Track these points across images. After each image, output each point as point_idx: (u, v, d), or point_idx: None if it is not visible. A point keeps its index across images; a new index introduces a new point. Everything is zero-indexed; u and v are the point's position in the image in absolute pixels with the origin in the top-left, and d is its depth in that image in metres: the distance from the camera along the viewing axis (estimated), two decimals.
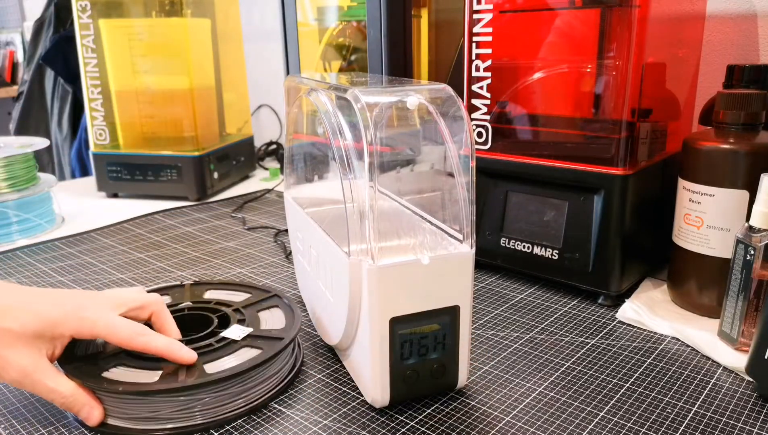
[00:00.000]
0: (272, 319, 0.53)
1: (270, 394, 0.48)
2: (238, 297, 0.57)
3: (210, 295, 0.58)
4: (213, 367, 0.46)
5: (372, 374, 0.45)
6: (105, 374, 0.45)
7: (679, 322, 0.58)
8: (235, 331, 0.50)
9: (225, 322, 0.53)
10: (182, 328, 0.53)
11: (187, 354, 0.46)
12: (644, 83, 0.59)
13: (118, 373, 0.45)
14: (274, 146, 1.45)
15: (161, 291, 0.59)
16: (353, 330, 0.47)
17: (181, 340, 0.49)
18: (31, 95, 1.92)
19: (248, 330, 0.51)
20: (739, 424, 0.44)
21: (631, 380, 0.50)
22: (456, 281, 0.45)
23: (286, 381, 0.50)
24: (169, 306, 0.55)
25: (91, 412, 0.44)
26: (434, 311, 0.45)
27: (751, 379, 0.49)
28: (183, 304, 0.56)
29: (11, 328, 0.43)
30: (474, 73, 0.69)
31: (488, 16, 0.66)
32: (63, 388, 0.44)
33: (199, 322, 0.53)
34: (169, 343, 0.47)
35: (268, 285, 0.70)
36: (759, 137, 0.55)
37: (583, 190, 0.63)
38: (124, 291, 0.52)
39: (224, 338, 0.49)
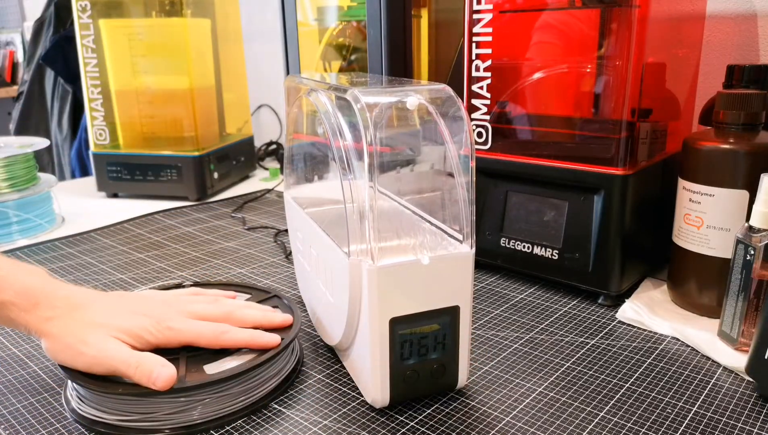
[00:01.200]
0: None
1: (270, 394, 0.48)
2: (240, 297, 0.57)
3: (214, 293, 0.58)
4: (213, 368, 0.46)
5: (372, 374, 0.45)
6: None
7: (679, 322, 0.58)
8: None
9: None
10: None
11: (270, 339, 0.49)
12: (644, 83, 0.59)
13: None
14: (274, 146, 1.45)
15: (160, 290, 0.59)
16: (353, 330, 0.47)
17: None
18: (31, 95, 1.92)
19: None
20: (739, 424, 0.44)
21: (631, 380, 0.50)
22: (456, 281, 0.45)
23: (286, 381, 0.50)
24: None
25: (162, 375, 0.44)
26: (434, 311, 0.45)
27: (751, 379, 0.49)
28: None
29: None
30: (474, 73, 0.69)
31: (488, 16, 0.66)
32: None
33: None
34: (251, 335, 0.48)
35: (268, 285, 0.70)
36: (759, 137, 0.55)
37: (583, 190, 0.63)
38: (184, 296, 0.53)
39: (224, 351, 0.49)
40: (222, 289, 0.58)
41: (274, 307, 0.55)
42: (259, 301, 0.56)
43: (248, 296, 0.57)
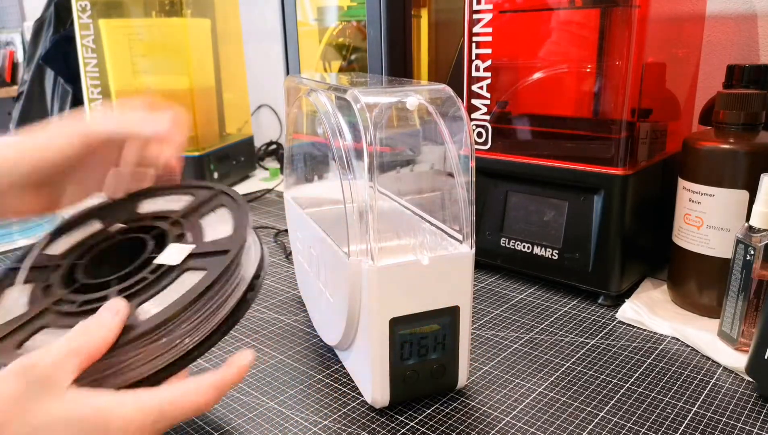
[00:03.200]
0: (219, 225, 0.43)
1: (225, 318, 0.38)
2: (178, 203, 0.46)
3: (146, 206, 0.47)
4: (150, 308, 0.37)
5: (372, 374, 0.45)
6: (27, 344, 0.37)
7: (679, 322, 0.58)
8: (172, 254, 0.40)
9: (163, 242, 0.42)
10: (114, 261, 0.42)
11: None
12: (644, 83, 0.59)
13: (40, 341, 0.37)
14: (274, 146, 1.45)
15: (89, 215, 0.48)
16: (353, 330, 0.47)
17: (108, 281, 0.39)
18: (31, 95, 1.92)
19: (189, 248, 0.40)
20: (739, 424, 0.44)
21: (631, 380, 0.50)
22: (456, 281, 0.45)
23: (243, 298, 0.39)
24: (98, 233, 0.45)
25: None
26: (434, 311, 0.45)
27: (751, 379, 0.49)
28: (114, 228, 0.45)
29: None
30: (474, 73, 0.69)
31: (488, 16, 0.66)
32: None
33: (133, 250, 0.42)
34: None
35: (267, 285, 0.70)
36: (759, 137, 0.55)
37: (583, 190, 0.63)
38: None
39: (161, 266, 0.39)
40: (156, 196, 0.47)
41: (219, 206, 0.45)
42: (202, 204, 0.45)
43: (190, 199, 0.46)
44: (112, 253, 0.44)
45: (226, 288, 0.39)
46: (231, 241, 0.40)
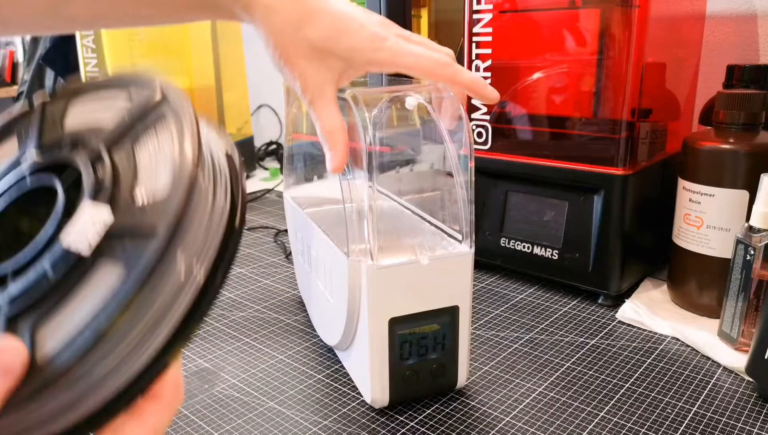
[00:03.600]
0: (160, 163, 0.25)
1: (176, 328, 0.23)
2: (111, 109, 0.29)
3: (75, 114, 0.31)
4: (49, 338, 0.22)
5: (372, 374, 0.45)
6: None
7: (679, 322, 0.58)
8: (84, 227, 0.24)
9: (77, 193, 0.26)
10: (19, 222, 0.29)
11: (492, 93, 0.42)
12: (644, 83, 0.59)
13: None
14: (274, 146, 1.45)
15: (6, 129, 0.31)
16: (353, 330, 0.47)
17: (4, 275, 0.24)
18: (31, 95, 1.92)
19: (105, 218, 0.24)
20: (739, 424, 0.44)
21: (631, 380, 0.50)
22: (455, 281, 0.45)
23: (210, 283, 0.23)
24: (9, 166, 0.29)
25: (336, 157, 0.40)
26: (434, 311, 0.45)
27: (751, 379, 0.49)
28: (28, 161, 0.28)
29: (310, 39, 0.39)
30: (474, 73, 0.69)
31: (488, 16, 0.66)
32: (332, 122, 0.40)
33: (41, 204, 0.28)
34: (475, 77, 0.41)
35: (267, 285, 0.70)
36: (759, 137, 0.55)
37: (583, 190, 0.63)
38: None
39: (67, 253, 0.23)
40: (87, 94, 0.32)
41: (159, 119, 0.27)
42: (140, 118, 0.28)
43: (126, 104, 0.28)
44: (18, 207, 0.29)
45: (164, 283, 0.23)
46: (168, 203, 0.24)
